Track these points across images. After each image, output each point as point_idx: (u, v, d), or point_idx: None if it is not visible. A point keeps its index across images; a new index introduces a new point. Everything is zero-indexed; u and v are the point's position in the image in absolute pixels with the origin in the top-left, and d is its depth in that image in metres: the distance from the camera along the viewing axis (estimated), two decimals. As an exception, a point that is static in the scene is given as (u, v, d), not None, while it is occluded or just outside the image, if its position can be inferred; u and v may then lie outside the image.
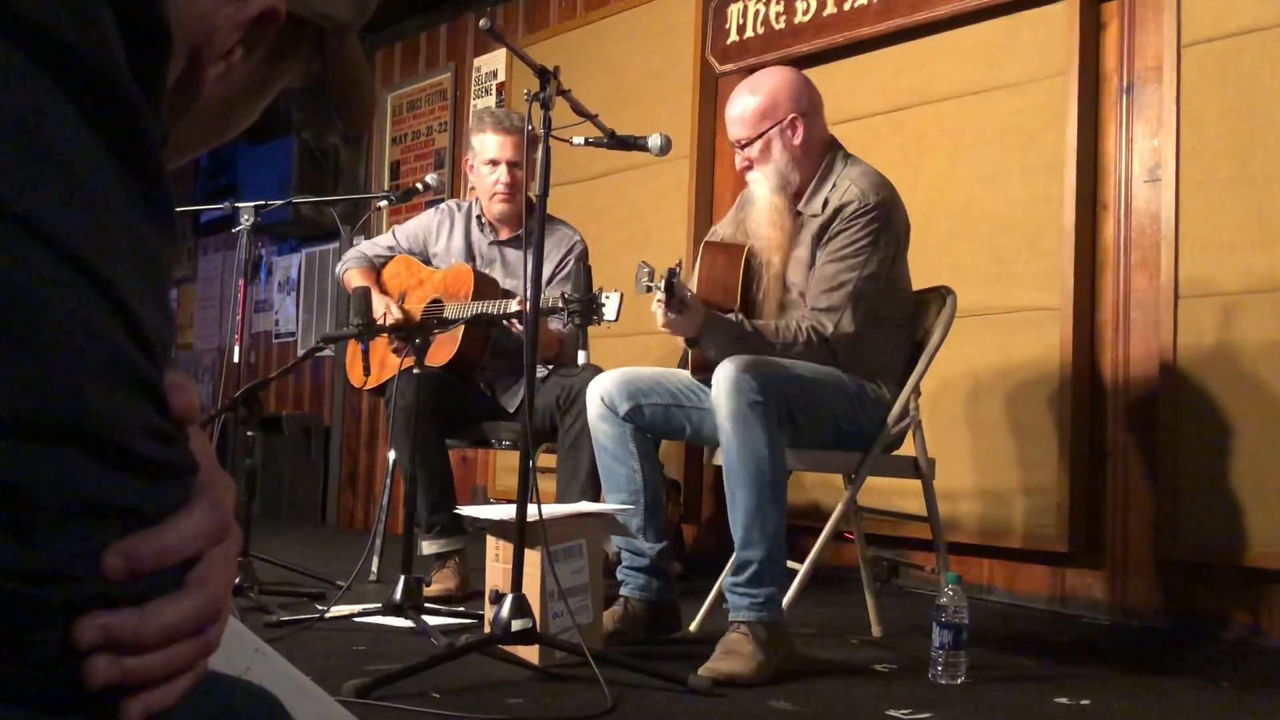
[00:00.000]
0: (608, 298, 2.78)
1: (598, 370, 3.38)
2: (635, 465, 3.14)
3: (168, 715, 0.60)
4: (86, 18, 0.58)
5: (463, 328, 3.81)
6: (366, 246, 4.29)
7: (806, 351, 2.99)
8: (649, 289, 2.86)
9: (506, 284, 4.04)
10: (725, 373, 2.82)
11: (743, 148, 3.18)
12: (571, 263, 4.00)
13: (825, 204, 3.10)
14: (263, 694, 0.74)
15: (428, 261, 4.19)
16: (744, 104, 3.18)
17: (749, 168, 3.19)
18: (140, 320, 0.58)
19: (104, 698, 0.56)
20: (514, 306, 3.64)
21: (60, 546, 0.54)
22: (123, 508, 0.57)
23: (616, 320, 2.90)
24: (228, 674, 0.72)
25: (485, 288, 3.93)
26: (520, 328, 3.69)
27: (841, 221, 3.05)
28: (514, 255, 4.10)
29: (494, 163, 4.04)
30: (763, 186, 3.16)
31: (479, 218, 4.15)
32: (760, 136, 3.14)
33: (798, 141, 3.15)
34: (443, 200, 4.47)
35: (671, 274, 2.79)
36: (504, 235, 4.13)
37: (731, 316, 3.00)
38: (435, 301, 3.99)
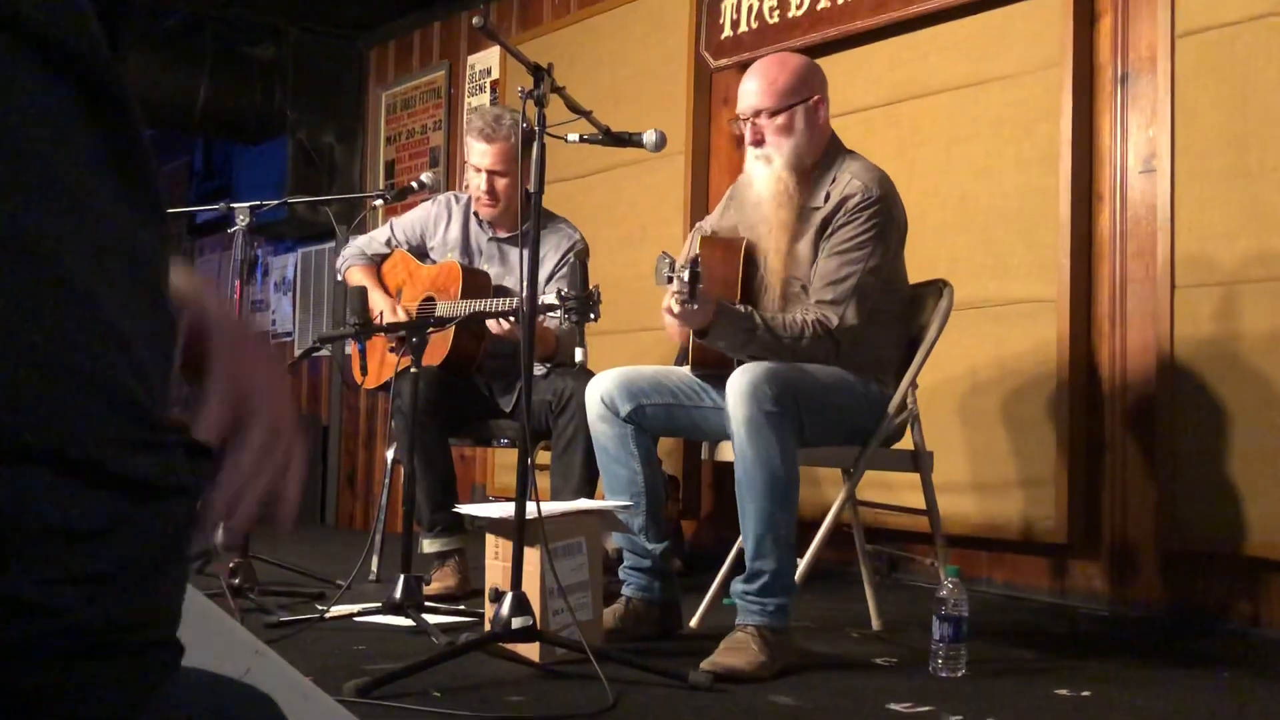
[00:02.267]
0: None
1: (590, 374, 3.37)
2: (637, 467, 3.14)
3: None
4: (75, 9, 0.58)
5: (454, 326, 3.80)
6: (364, 242, 4.29)
7: (813, 345, 2.97)
8: (670, 279, 2.83)
9: (506, 281, 4.04)
10: (741, 381, 2.80)
11: (762, 118, 3.11)
12: (571, 259, 3.99)
13: (827, 197, 3.09)
14: (257, 696, 0.74)
15: (425, 255, 4.19)
16: (771, 76, 3.13)
17: (760, 141, 3.13)
18: (124, 333, 0.57)
19: None
20: (503, 306, 3.63)
21: (29, 574, 0.53)
22: (93, 531, 0.55)
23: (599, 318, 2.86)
24: (222, 676, 0.72)
25: (474, 284, 3.93)
26: (501, 329, 3.69)
27: (845, 214, 3.04)
28: (512, 252, 4.09)
29: (477, 169, 4.03)
30: (772, 162, 3.11)
31: (477, 213, 4.15)
32: (786, 109, 3.10)
33: (819, 123, 3.13)
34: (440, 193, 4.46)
35: (694, 263, 2.77)
36: (502, 232, 4.12)
37: (741, 308, 2.99)
38: (428, 299, 3.99)
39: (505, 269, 4.07)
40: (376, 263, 4.23)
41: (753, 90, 3.14)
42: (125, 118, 0.60)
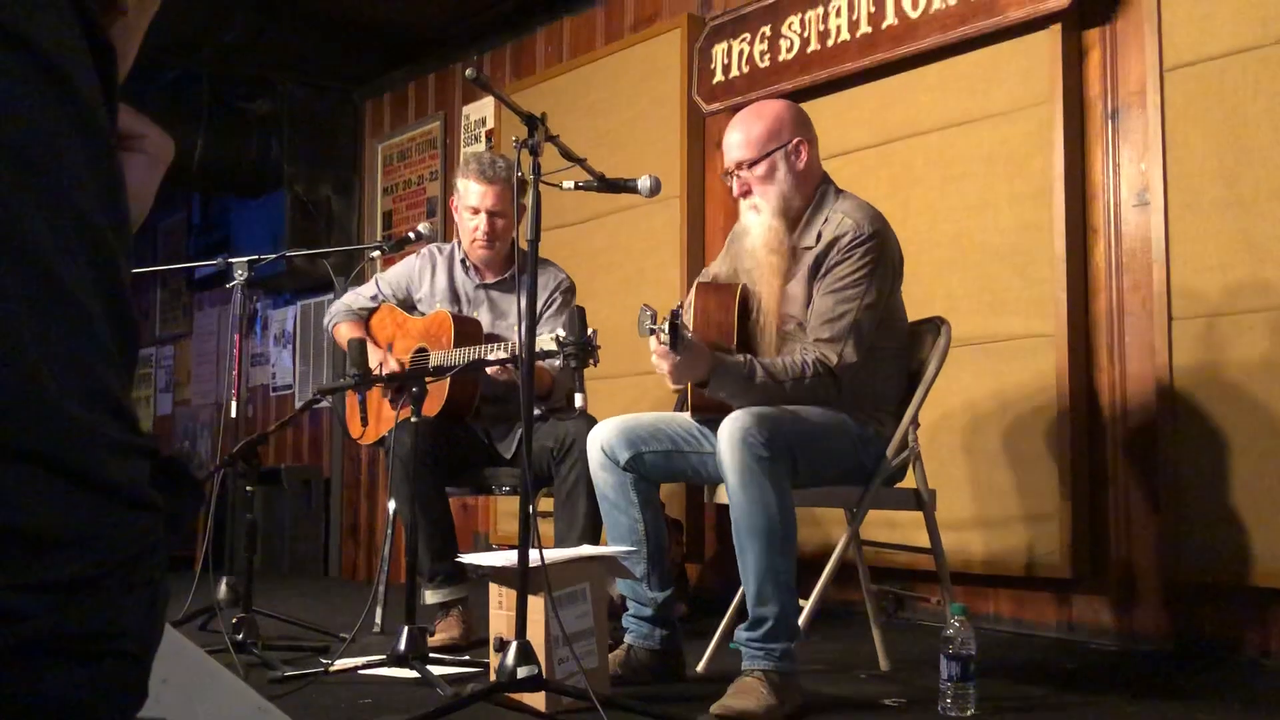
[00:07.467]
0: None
1: (591, 419, 3.37)
2: (637, 515, 3.13)
3: None
4: (79, 54, 0.59)
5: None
6: (350, 299, 4.29)
7: (814, 384, 2.97)
8: (652, 332, 2.83)
9: (497, 327, 4.04)
10: (731, 428, 2.80)
11: (745, 170, 3.15)
12: (559, 298, 4.00)
13: (819, 237, 3.10)
14: None
15: (412, 307, 4.19)
16: (749, 126, 3.16)
17: (748, 192, 3.16)
18: (106, 341, 0.58)
19: None
20: (499, 352, 3.62)
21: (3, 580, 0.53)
22: (66, 539, 0.55)
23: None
24: None
25: (465, 332, 3.93)
26: (501, 375, 3.69)
27: (838, 253, 3.05)
28: (500, 297, 4.10)
29: (475, 210, 4.04)
30: (761, 211, 3.13)
31: (463, 261, 4.15)
32: (765, 157, 3.12)
33: (801, 166, 3.15)
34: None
35: (675, 315, 2.77)
36: (489, 278, 4.13)
37: (740, 357, 2.99)
38: (420, 350, 3.99)
39: (495, 315, 4.08)
40: (364, 318, 4.24)
41: (733, 143, 3.18)
42: (108, 142, 0.61)
